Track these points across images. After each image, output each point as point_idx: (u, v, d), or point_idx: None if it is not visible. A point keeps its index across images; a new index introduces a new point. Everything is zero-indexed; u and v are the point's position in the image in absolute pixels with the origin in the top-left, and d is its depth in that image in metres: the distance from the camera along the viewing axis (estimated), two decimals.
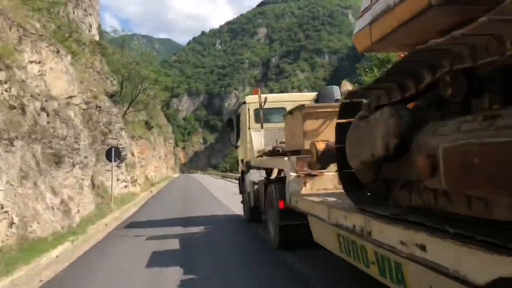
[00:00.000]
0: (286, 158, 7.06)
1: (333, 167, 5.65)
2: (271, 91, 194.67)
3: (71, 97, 14.87)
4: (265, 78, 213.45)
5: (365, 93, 4.36)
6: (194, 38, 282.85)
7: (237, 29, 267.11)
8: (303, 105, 6.83)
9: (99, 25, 45.73)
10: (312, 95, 11.15)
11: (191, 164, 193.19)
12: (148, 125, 41.29)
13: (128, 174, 23.42)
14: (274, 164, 8.61)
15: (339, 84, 12.28)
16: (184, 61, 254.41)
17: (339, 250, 4.78)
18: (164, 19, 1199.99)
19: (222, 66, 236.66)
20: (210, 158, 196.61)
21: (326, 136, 5.98)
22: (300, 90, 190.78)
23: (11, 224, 7.50)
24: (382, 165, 3.71)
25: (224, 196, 20.46)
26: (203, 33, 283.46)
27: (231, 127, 13.39)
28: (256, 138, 10.22)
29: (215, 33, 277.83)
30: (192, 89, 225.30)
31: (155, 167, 36.57)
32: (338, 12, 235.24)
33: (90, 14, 39.26)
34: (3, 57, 9.47)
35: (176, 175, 75.25)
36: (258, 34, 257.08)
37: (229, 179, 43.51)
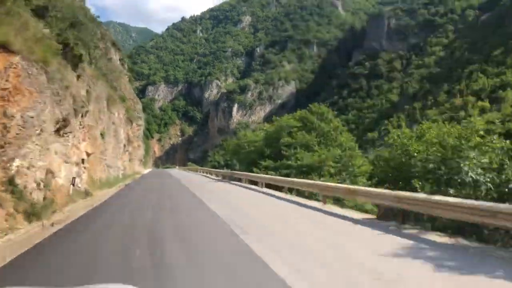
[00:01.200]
0: None
1: None
2: (257, 82, 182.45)
3: None
4: (249, 69, 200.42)
5: None
6: (173, 24, 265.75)
7: (220, 16, 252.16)
8: None
9: None
10: None
11: (167, 158, 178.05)
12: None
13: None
14: None
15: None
16: (162, 47, 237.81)
17: None
18: (143, 9, 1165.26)
19: (203, 54, 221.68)
20: (188, 152, 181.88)
21: None
22: (287, 82, 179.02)
23: None
24: None
25: None
26: (183, 19, 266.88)
27: None
28: None
29: (196, 20, 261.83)
30: (170, 77, 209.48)
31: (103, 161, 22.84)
32: (327, 3, 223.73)
33: None
34: None
35: (146, 171, 60.76)
36: (242, 22, 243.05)
37: (251, 188, 23.64)
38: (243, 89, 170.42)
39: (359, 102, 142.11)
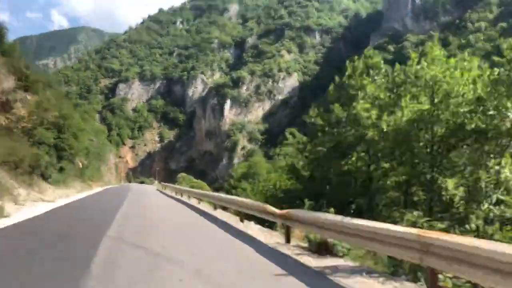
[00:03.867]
0: None
1: None
2: (253, 73, 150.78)
3: None
4: (239, 62, 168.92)
5: None
6: (150, 16, 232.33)
7: (202, 6, 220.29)
8: None
9: None
10: None
11: (143, 169, 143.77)
12: None
13: None
14: None
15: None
16: (136, 40, 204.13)
17: None
18: (116, 14, 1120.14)
19: (185, 47, 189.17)
20: (169, 161, 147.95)
21: None
22: (288, 74, 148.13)
23: None
24: None
25: None
26: (160, 10, 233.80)
27: None
28: None
29: (175, 11, 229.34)
30: (146, 73, 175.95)
31: None
32: None
33: None
34: None
35: (92, 192, 29.98)
36: (228, 12, 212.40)
37: None
38: (236, 83, 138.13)
39: None
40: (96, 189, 36.81)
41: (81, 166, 35.33)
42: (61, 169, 28.48)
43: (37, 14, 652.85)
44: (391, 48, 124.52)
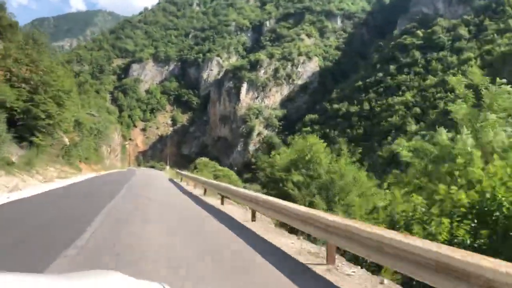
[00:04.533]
0: None
1: None
2: (271, 56, 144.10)
3: None
4: (257, 45, 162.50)
5: None
6: None
7: None
8: None
9: None
10: None
11: (154, 153, 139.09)
12: None
13: None
14: None
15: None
16: (152, 21, 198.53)
17: None
18: (133, 1, 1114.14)
19: (201, 29, 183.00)
20: (181, 146, 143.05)
21: None
22: (309, 58, 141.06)
23: None
24: None
25: None
26: None
27: None
28: None
29: None
30: (160, 54, 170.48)
31: None
32: None
33: None
34: None
35: (82, 178, 23.73)
36: None
37: None
38: (254, 66, 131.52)
39: (416, 80, 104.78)
40: (84, 175, 28.19)
41: (67, 143, 28.64)
42: (31, 145, 21.74)
43: None
44: (419, 33, 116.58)
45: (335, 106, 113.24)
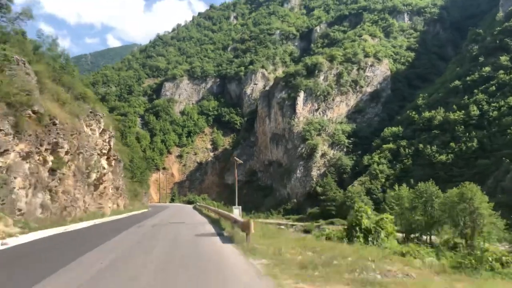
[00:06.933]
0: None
1: None
2: (333, 59, 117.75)
3: None
4: (306, 54, 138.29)
5: None
6: (200, 14, 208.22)
7: None
8: None
9: None
10: None
11: (191, 183, 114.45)
12: None
13: None
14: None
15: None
16: (186, 37, 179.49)
17: None
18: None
19: (241, 40, 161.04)
20: (224, 174, 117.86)
21: None
22: (378, 60, 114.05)
23: None
24: None
25: None
26: (212, 6, 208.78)
27: None
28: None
29: (228, 6, 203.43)
30: (196, 70, 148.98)
31: None
32: None
33: None
34: None
35: None
36: (290, 2, 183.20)
37: None
38: (311, 71, 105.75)
39: None
40: None
41: None
42: None
43: (95, 39, 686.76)
44: None
45: (426, 114, 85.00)
